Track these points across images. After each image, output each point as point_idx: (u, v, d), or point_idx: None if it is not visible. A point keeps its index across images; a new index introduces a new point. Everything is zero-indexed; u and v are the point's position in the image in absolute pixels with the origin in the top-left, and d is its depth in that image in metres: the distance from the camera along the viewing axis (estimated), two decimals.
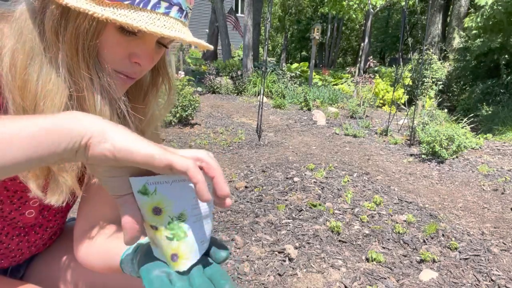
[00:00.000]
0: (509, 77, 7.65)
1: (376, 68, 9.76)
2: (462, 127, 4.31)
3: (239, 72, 9.24)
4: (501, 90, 7.63)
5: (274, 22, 23.95)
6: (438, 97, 7.99)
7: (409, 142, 4.70)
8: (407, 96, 7.32)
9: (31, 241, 0.77)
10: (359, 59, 14.31)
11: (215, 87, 8.59)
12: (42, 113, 0.52)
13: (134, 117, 0.66)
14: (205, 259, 0.49)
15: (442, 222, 2.48)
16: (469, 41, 9.11)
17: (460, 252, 2.10)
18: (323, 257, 1.98)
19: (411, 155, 4.22)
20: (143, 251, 0.50)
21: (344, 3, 14.18)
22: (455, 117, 5.87)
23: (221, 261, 0.49)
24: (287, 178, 3.12)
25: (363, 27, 20.31)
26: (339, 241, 2.17)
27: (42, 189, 0.57)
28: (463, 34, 9.36)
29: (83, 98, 0.55)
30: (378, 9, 13.91)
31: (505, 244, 2.24)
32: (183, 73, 7.23)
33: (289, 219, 2.40)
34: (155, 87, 0.69)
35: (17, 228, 0.73)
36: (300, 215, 2.45)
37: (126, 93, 0.69)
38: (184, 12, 0.59)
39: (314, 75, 11.30)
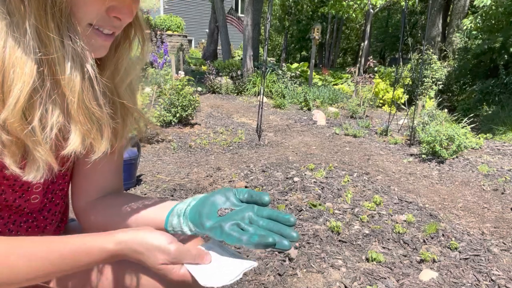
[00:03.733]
0: (508, 77, 7.64)
1: (376, 68, 9.75)
2: (462, 127, 4.31)
3: (239, 72, 9.24)
4: (501, 90, 7.63)
5: (274, 22, 23.95)
6: (438, 97, 7.98)
7: (409, 142, 4.70)
8: (407, 96, 7.32)
9: (40, 226, 0.77)
10: (359, 59, 14.31)
11: (215, 87, 8.59)
12: (12, 83, 0.50)
13: (105, 73, 0.65)
14: (251, 208, 0.61)
15: (442, 222, 2.48)
16: (469, 42, 9.11)
17: (460, 252, 2.10)
18: (323, 257, 1.98)
19: (411, 155, 4.22)
20: (195, 208, 0.64)
21: (344, 3, 14.18)
22: (455, 117, 5.86)
23: (267, 204, 0.62)
24: (287, 178, 3.12)
25: (363, 27, 20.30)
26: (339, 241, 2.17)
27: (18, 165, 0.55)
28: (462, 36, 9.36)
29: (53, 62, 0.52)
30: (378, 9, 13.91)
31: (505, 244, 2.24)
32: (183, 73, 7.22)
33: None
34: (127, 39, 0.66)
35: (24, 215, 0.73)
36: (300, 215, 2.45)
37: None
38: None
39: (314, 75, 11.29)
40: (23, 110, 0.51)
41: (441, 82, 8.70)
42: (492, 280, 1.85)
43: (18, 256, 0.53)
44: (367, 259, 1.98)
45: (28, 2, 0.48)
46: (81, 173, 0.76)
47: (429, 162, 3.91)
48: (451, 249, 2.13)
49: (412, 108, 5.18)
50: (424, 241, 2.21)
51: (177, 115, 4.75)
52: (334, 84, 10.85)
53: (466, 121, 4.84)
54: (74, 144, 0.56)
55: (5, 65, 0.50)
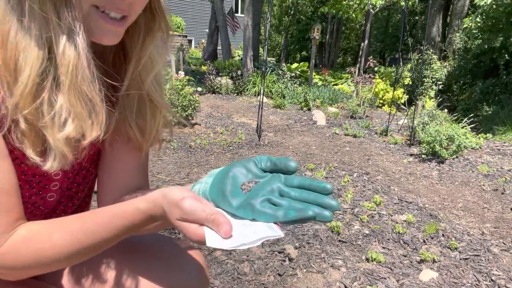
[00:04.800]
0: (508, 77, 7.65)
1: (376, 68, 9.75)
2: (462, 127, 4.31)
3: (239, 72, 9.23)
4: (501, 90, 7.63)
5: (274, 22, 23.97)
6: (438, 97, 7.99)
7: (409, 142, 4.70)
8: (407, 96, 7.31)
9: None
10: (359, 59, 14.31)
11: (215, 87, 8.59)
12: (22, 71, 0.50)
13: (130, 65, 0.65)
14: (277, 177, 0.54)
15: (442, 222, 2.48)
16: (469, 42, 9.11)
17: (460, 252, 2.10)
18: (323, 257, 1.98)
19: (411, 155, 4.22)
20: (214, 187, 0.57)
21: (344, 3, 14.18)
22: (455, 117, 5.86)
23: (294, 171, 0.55)
24: None
25: (363, 27, 20.31)
26: (339, 241, 2.17)
27: (39, 154, 0.56)
28: (462, 36, 9.37)
29: (52, 41, 0.51)
30: (378, 9, 13.91)
31: (505, 244, 2.24)
32: (183, 73, 7.22)
33: None
34: (151, 32, 0.65)
35: (37, 216, 0.72)
36: None
37: (123, 43, 0.66)
38: None
39: (314, 75, 11.29)
40: (33, 93, 0.52)
41: (441, 82, 8.70)
42: (492, 280, 1.85)
43: (59, 232, 0.54)
44: (367, 259, 1.98)
45: None
46: (105, 170, 0.76)
47: (429, 162, 3.91)
48: (451, 249, 2.13)
49: (412, 108, 5.18)
50: (424, 241, 2.21)
51: (177, 115, 4.75)
52: (334, 84, 10.85)
53: (466, 121, 4.84)
54: (68, 128, 0.54)
55: (16, 52, 0.51)
